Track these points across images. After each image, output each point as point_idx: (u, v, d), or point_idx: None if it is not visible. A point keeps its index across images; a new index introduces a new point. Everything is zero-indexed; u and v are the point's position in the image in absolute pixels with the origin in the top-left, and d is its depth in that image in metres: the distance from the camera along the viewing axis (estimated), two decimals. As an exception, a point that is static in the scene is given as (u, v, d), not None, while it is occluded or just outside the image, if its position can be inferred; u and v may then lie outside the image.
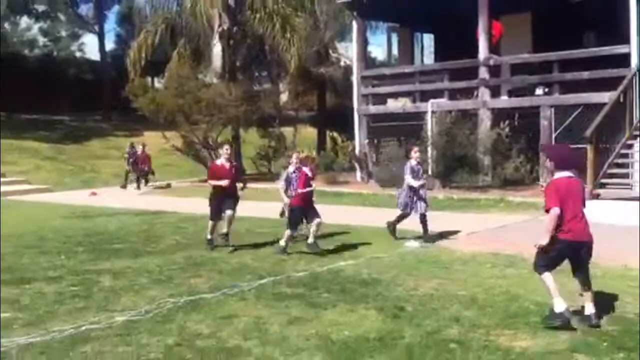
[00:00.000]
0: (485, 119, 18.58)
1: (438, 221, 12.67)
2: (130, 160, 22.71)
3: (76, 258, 10.23)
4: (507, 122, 17.99)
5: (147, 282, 8.55)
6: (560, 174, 6.34)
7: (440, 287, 7.74)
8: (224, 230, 10.64)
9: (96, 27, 38.32)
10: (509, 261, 9.12)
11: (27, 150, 26.52)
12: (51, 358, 5.75)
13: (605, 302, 6.89)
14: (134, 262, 9.84)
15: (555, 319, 6.13)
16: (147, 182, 22.64)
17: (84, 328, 6.49)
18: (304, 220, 10.26)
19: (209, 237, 10.72)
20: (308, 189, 10.15)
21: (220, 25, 25.08)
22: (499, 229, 12.12)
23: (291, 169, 10.91)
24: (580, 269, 6.30)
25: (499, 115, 18.46)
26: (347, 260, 9.44)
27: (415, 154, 11.27)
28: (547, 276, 6.24)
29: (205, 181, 12.76)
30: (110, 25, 53.61)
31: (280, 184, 11.07)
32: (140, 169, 22.49)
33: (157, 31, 26.63)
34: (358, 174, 21.43)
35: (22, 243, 11.60)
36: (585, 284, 6.30)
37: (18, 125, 29.92)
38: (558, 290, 6.20)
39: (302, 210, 10.14)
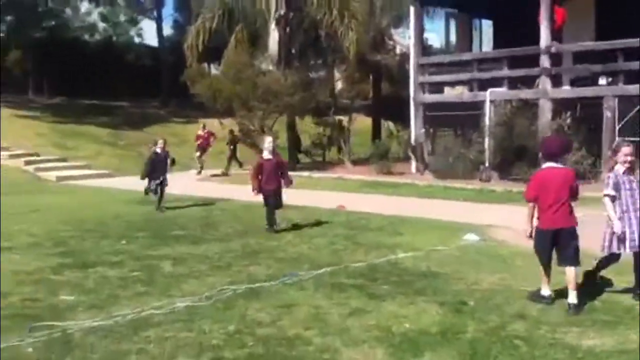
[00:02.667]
0: (546, 109, 18.15)
1: (496, 214, 12.51)
2: None
3: (137, 243, 10.41)
4: (568, 112, 17.54)
5: (207, 268, 8.64)
6: (544, 165, 6.79)
7: (502, 282, 7.61)
8: None
9: (154, 13, 38.87)
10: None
11: (87, 135, 27.08)
12: (115, 342, 5.84)
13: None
14: (194, 248, 9.96)
15: (539, 299, 6.74)
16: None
17: (145, 313, 6.59)
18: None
19: None
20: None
21: (277, 11, 25.10)
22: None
23: (621, 169, 6.88)
24: (563, 256, 6.67)
25: (560, 106, 18.00)
26: (406, 252, 9.34)
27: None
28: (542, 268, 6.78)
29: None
30: (168, 11, 54.29)
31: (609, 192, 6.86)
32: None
33: (214, 17, 26.78)
34: (413, 164, 21.22)
35: (85, 227, 11.86)
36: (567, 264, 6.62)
37: (78, 110, 30.57)
38: (547, 281, 6.76)
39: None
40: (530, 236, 6.89)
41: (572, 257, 6.64)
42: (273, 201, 11.35)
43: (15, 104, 29.72)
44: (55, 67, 33.08)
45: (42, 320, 6.35)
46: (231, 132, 23.56)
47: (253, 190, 11.45)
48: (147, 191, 14.53)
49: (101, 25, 38.52)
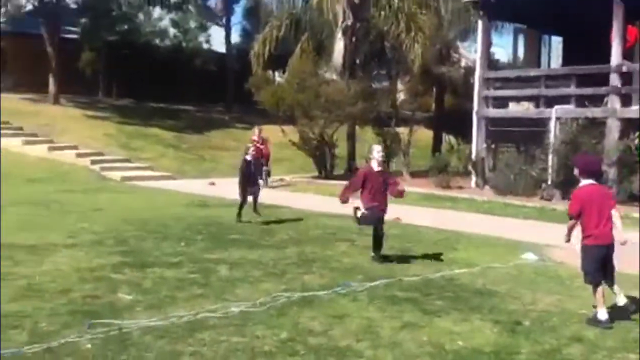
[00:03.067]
0: (613, 129, 17.69)
1: (556, 234, 12.23)
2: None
3: (195, 246, 10.60)
4: (637, 133, 17.08)
5: (262, 274, 8.73)
6: (583, 182, 6.97)
7: (560, 304, 7.46)
8: None
9: (223, 20, 39.51)
10: (632, 282, 8.64)
11: (152, 137, 27.67)
12: (170, 342, 5.97)
13: None
14: (249, 253, 10.08)
15: (596, 324, 6.66)
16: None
17: (201, 316, 6.71)
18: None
19: None
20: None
21: (344, 21, 25.22)
22: (623, 247, 11.45)
23: None
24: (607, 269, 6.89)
25: (629, 126, 17.53)
26: (461, 268, 9.25)
27: None
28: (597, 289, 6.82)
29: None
30: (237, 19, 55.09)
31: None
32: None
33: (281, 25, 27.09)
34: (473, 179, 20.96)
35: (146, 228, 12.14)
36: (612, 281, 6.90)
37: (146, 112, 31.28)
38: (603, 302, 6.76)
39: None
40: (569, 240, 7.04)
41: (613, 273, 6.97)
42: (377, 223, 9.66)
43: (85, 104, 30.66)
44: (125, 70, 33.96)
45: (101, 318, 6.54)
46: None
47: (342, 197, 9.74)
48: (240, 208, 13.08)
49: (172, 30, 39.33)
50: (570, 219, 6.96)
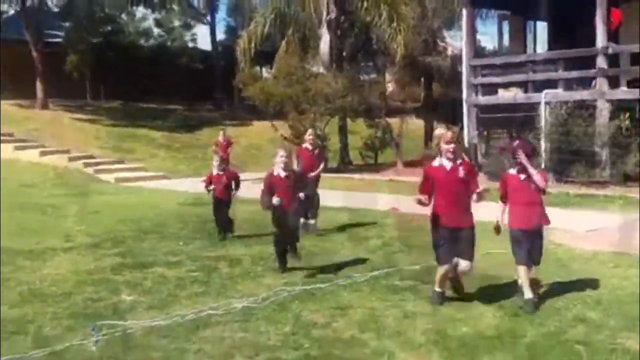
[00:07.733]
0: (603, 111, 17.77)
1: (552, 217, 12.27)
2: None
3: (194, 244, 10.59)
4: (627, 114, 17.15)
5: (262, 270, 8.74)
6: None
7: (561, 286, 7.49)
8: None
9: (208, 18, 39.42)
10: (632, 261, 8.71)
11: (142, 138, 27.55)
12: (174, 341, 5.97)
13: None
14: (248, 249, 10.07)
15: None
16: None
17: (204, 313, 6.71)
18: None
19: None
20: None
21: (328, 15, 25.20)
22: (620, 227, 11.57)
23: None
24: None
25: (618, 107, 17.61)
26: (461, 255, 9.24)
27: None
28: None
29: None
30: (221, 16, 54.98)
31: None
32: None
33: (266, 21, 27.06)
34: (466, 166, 20.96)
35: (142, 228, 12.12)
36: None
37: (134, 113, 31.15)
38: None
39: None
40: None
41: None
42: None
43: (73, 107, 30.52)
44: (111, 72, 33.81)
45: (103, 320, 6.53)
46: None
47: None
48: None
49: (156, 30, 39.23)
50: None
